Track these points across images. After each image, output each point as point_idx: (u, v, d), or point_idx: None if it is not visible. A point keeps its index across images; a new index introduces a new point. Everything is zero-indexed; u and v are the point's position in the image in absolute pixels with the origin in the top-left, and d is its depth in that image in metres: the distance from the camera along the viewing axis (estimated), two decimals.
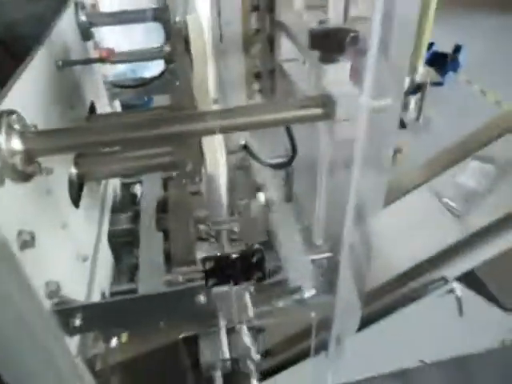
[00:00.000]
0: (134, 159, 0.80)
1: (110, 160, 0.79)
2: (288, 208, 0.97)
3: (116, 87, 1.11)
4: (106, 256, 0.88)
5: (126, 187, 1.20)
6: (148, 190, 1.09)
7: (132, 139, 0.54)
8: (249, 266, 0.57)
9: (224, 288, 0.61)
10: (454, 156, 1.42)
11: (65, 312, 0.57)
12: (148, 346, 0.71)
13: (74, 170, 0.77)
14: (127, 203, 1.17)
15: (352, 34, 0.52)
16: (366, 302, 1.32)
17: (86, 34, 0.98)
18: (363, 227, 0.74)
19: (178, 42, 0.67)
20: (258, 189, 1.12)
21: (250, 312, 0.72)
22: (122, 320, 0.62)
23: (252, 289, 0.74)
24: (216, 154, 0.79)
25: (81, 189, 0.79)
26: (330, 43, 0.54)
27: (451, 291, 1.15)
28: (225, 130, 0.58)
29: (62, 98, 0.77)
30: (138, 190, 1.30)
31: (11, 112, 0.50)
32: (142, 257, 0.87)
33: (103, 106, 1.10)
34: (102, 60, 0.78)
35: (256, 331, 0.79)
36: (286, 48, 0.75)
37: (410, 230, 1.33)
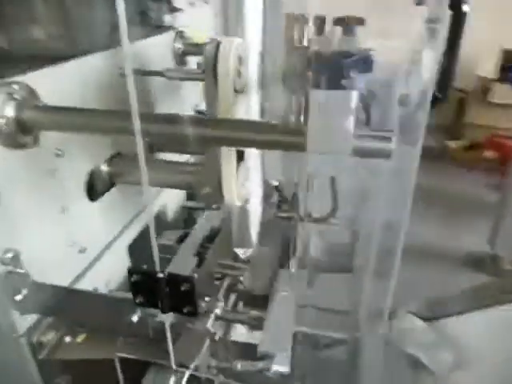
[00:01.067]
0: (160, 170, 0.81)
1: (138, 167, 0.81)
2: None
3: (198, 113, 1.16)
4: (117, 259, 0.88)
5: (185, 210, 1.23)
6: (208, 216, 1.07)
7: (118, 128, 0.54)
8: (177, 294, 0.49)
9: (164, 316, 0.54)
10: None
11: (10, 281, 0.58)
12: (96, 354, 0.67)
13: (105, 167, 0.81)
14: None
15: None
16: None
17: (180, 59, 1.08)
18: None
19: (207, 61, 0.66)
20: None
21: (205, 361, 0.63)
22: (58, 309, 0.60)
23: (217, 336, 0.66)
24: (232, 184, 0.75)
25: (108, 186, 0.83)
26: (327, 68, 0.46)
27: None
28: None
29: (117, 100, 0.83)
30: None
31: (14, 82, 0.55)
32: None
33: None
34: (153, 73, 0.83)
35: None
36: None
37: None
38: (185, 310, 0.50)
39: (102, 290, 0.83)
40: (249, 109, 0.76)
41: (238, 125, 0.54)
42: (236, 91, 0.68)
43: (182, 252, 0.81)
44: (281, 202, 1.06)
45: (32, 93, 0.58)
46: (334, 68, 0.46)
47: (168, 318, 0.54)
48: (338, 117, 0.45)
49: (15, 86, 0.55)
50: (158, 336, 0.58)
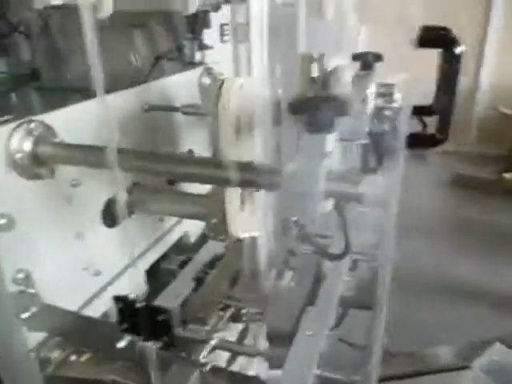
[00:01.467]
0: (175, 201, 0.85)
1: (154, 198, 0.85)
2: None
3: None
4: (133, 284, 0.92)
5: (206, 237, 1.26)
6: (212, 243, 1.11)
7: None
8: (155, 323, 0.52)
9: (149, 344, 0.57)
10: None
11: (20, 300, 0.63)
12: (96, 374, 0.70)
13: (124, 196, 0.87)
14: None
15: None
16: None
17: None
18: None
19: (212, 99, 0.70)
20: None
21: None
22: (61, 329, 0.65)
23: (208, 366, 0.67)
24: (235, 216, 0.77)
25: (126, 215, 0.88)
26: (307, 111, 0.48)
27: None
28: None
29: (141, 135, 0.89)
30: None
31: (32, 121, 0.62)
32: (163, 296, 0.88)
33: None
34: (170, 108, 0.88)
35: None
36: None
37: None
38: (162, 340, 0.52)
39: (115, 313, 0.87)
40: (253, 147, 0.78)
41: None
42: (239, 129, 0.71)
43: (180, 278, 0.83)
44: (301, 237, 1.06)
45: (49, 130, 0.65)
46: (311, 111, 0.47)
47: (151, 346, 0.56)
48: (311, 159, 0.46)
49: (33, 125, 0.62)
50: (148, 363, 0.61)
